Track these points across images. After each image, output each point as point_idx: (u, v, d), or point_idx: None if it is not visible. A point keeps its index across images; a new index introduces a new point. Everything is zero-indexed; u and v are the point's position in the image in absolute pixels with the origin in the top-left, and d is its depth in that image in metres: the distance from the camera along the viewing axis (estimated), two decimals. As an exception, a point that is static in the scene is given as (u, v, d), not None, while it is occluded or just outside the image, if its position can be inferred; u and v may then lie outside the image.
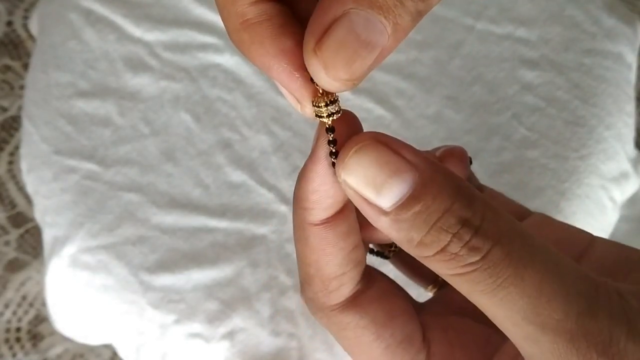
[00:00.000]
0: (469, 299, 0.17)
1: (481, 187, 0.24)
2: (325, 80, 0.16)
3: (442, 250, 0.16)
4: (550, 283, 0.16)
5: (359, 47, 0.15)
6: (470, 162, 0.23)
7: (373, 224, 0.18)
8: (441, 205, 0.16)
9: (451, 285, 0.18)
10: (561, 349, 0.16)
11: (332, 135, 0.17)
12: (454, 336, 0.21)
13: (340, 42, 0.15)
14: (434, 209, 0.16)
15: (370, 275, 0.21)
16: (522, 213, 0.23)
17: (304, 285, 0.20)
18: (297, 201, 0.19)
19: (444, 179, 0.16)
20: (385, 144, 0.17)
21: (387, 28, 0.15)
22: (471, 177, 0.24)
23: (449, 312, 0.22)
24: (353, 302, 0.20)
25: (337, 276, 0.20)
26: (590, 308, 0.16)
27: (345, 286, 0.20)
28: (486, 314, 0.17)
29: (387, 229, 0.17)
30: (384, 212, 0.17)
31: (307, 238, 0.19)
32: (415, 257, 0.17)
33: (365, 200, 0.17)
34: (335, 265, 0.19)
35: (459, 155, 0.22)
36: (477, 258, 0.16)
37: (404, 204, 0.16)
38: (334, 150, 0.18)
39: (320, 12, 0.15)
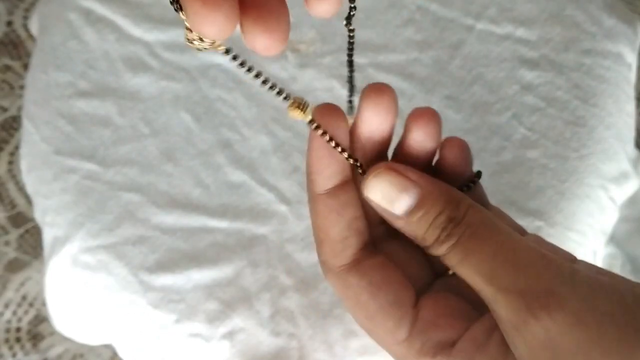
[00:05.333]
0: (457, 273, 0.23)
1: (488, 206, 0.27)
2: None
3: (437, 239, 0.23)
4: (504, 254, 0.21)
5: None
6: (479, 176, 0.27)
7: (393, 225, 0.24)
8: (436, 210, 0.23)
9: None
10: (513, 302, 0.21)
11: (315, 125, 0.23)
12: (442, 306, 0.25)
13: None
14: (431, 213, 0.23)
15: (375, 249, 0.26)
16: (520, 230, 0.27)
17: (319, 249, 0.25)
18: (307, 174, 0.25)
19: (439, 192, 0.23)
20: (395, 169, 0.23)
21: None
22: (482, 195, 0.27)
23: (447, 290, 0.26)
24: (356, 265, 0.25)
25: (341, 239, 0.24)
26: (540, 272, 0.21)
27: (348, 249, 0.25)
28: (469, 284, 0.22)
29: (402, 228, 0.24)
30: (399, 217, 0.23)
31: (317, 206, 0.24)
32: (423, 247, 0.23)
33: (385, 209, 0.23)
34: (339, 229, 0.24)
35: (458, 144, 0.26)
36: (454, 240, 0.22)
37: (412, 212, 0.23)
38: (319, 127, 0.24)
39: None
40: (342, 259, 0.25)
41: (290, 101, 0.23)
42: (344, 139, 0.24)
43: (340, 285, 0.25)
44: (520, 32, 0.49)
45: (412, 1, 0.49)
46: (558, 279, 0.21)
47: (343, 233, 0.24)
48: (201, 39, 0.20)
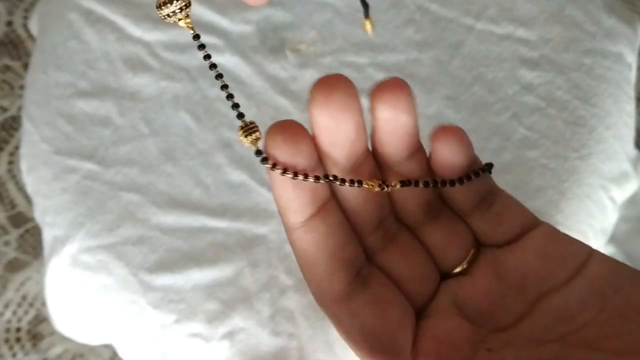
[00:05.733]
0: None
1: (496, 191, 0.24)
2: None
3: None
4: None
5: None
6: (491, 169, 0.23)
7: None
8: None
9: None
10: None
11: (261, 156, 0.19)
12: (444, 350, 0.22)
13: None
14: None
15: (368, 279, 0.22)
16: (532, 223, 0.24)
17: (306, 282, 0.22)
18: (277, 208, 0.20)
19: None
20: None
21: None
22: (491, 183, 0.24)
23: (451, 304, 0.23)
24: (347, 302, 0.21)
25: (327, 276, 0.20)
26: None
27: (335, 285, 0.21)
28: None
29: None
30: None
31: (294, 242, 0.21)
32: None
33: None
34: (322, 266, 0.20)
35: (454, 133, 0.21)
36: None
37: None
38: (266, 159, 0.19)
39: None
40: (330, 295, 0.21)
41: (240, 125, 0.19)
42: (307, 158, 0.20)
43: (333, 321, 0.22)
44: (520, 32, 0.49)
45: (412, 1, 0.49)
46: None
47: (327, 270, 0.20)
48: (168, 3, 0.18)
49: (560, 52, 0.48)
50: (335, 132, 0.19)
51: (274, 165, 0.19)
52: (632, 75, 0.50)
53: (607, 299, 0.21)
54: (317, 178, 0.20)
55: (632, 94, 0.50)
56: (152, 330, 0.41)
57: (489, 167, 0.24)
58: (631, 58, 0.50)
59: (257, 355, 0.41)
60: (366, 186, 0.20)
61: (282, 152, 0.19)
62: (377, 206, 0.22)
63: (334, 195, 0.21)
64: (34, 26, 0.54)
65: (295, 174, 0.19)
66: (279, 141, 0.19)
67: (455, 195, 0.23)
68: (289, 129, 0.19)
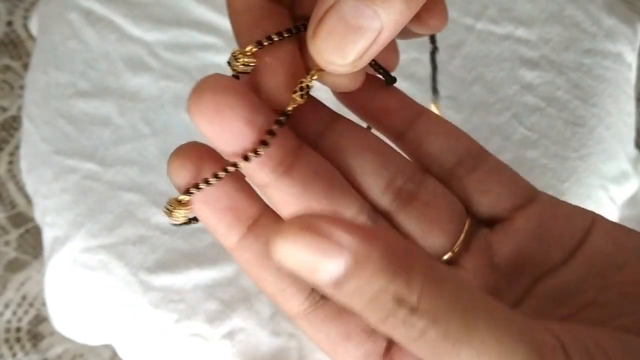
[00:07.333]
0: None
1: (483, 156, 0.23)
2: (321, 63, 0.17)
3: (382, 323, 0.16)
4: (487, 357, 0.16)
5: (348, 32, 0.16)
6: (394, 82, 0.23)
7: (318, 290, 0.18)
8: (375, 285, 0.16)
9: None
10: None
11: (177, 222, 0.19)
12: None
13: (329, 29, 0.17)
14: (369, 288, 0.16)
15: None
16: (527, 195, 0.23)
17: None
18: None
19: (381, 256, 0.16)
20: (313, 227, 0.16)
21: (379, 13, 0.16)
22: (473, 144, 0.23)
23: None
24: (307, 317, 0.20)
25: (278, 292, 0.19)
26: None
27: (291, 302, 0.20)
28: None
29: (331, 297, 0.17)
30: (325, 286, 0.16)
31: (236, 261, 0.20)
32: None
33: (305, 277, 0.16)
34: (270, 283, 0.19)
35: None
36: (414, 335, 0.16)
37: (338, 283, 0.16)
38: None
39: (318, 3, 0.17)
40: (288, 312, 0.20)
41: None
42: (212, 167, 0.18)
43: (302, 329, 0.21)
44: (520, 32, 0.49)
45: (412, 1, 0.49)
46: None
47: (275, 287, 0.19)
48: (246, 64, 0.18)
49: (560, 52, 0.48)
50: (221, 134, 0.18)
51: (186, 203, 0.19)
52: (632, 75, 0.50)
53: (608, 277, 0.19)
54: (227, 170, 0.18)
55: (632, 94, 0.50)
56: (152, 330, 0.41)
57: (392, 80, 0.24)
58: (631, 58, 0.50)
59: (257, 355, 0.41)
60: None
61: (187, 176, 0.19)
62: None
63: (267, 212, 0.20)
64: (34, 26, 0.54)
65: (199, 185, 0.18)
66: (181, 170, 0.19)
67: (427, 149, 0.22)
68: (185, 154, 0.19)
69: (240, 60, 0.18)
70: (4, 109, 0.64)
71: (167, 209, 0.19)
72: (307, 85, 0.18)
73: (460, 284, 0.17)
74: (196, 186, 0.18)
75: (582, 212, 0.21)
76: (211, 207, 0.19)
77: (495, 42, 0.48)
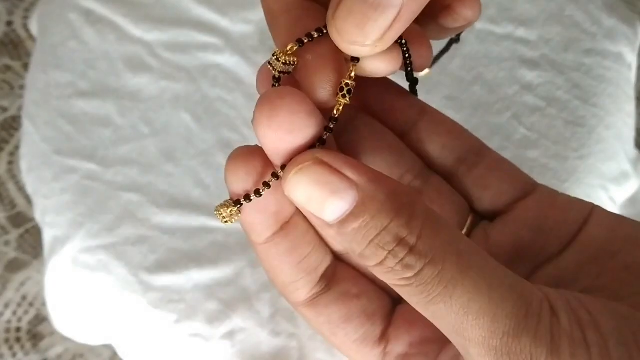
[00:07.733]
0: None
1: (484, 152, 0.24)
2: (343, 45, 0.17)
3: (380, 263, 0.17)
4: (478, 302, 0.16)
5: (368, 10, 0.16)
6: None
7: (321, 232, 0.20)
8: (379, 223, 0.17)
9: None
10: None
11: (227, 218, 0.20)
12: (414, 334, 0.22)
13: (349, 8, 0.16)
14: (372, 226, 0.17)
15: (333, 278, 0.22)
16: (526, 188, 0.23)
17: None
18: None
19: (385, 197, 0.17)
20: (326, 163, 0.17)
21: None
22: (475, 141, 0.24)
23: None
24: (312, 303, 0.21)
25: (290, 282, 0.21)
26: (515, 328, 0.16)
27: (300, 291, 0.21)
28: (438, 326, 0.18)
29: (333, 238, 0.19)
30: (329, 225, 0.18)
31: (259, 254, 0.21)
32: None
33: (311, 213, 0.18)
34: (286, 275, 0.21)
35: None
36: (410, 274, 0.17)
37: (344, 221, 0.17)
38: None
39: None
40: (296, 299, 0.22)
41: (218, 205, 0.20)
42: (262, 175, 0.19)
43: (306, 319, 0.23)
44: (520, 32, 0.49)
45: (412, 1, 0.49)
46: (537, 340, 0.16)
47: (291, 279, 0.21)
48: (286, 63, 0.18)
49: (560, 52, 0.48)
50: (283, 150, 0.18)
51: (237, 202, 0.19)
52: (632, 75, 0.50)
53: (603, 264, 0.20)
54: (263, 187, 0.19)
55: (632, 94, 0.50)
56: (152, 330, 0.41)
57: (414, 81, 0.24)
58: (631, 58, 0.50)
59: (257, 355, 0.41)
60: None
61: (245, 182, 0.19)
62: None
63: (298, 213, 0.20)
64: (34, 26, 0.54)
65: (249, 197, 0.19)
66: (241, 174, 0.19)
67: (430, 147, 0.23)
68: (245, 158, 0.19)
69: (282, 59, 0.18)
70: (4, 109, 0.64)
71: (219, 212, 0.20)
72: (348, 84, 0.18)
73: (458, 232, 0.18)
74: (247, 197, 0.19)
75: (581, 203, 0.22)
76: (260, 212, 0.20)
77: (495, 42, 0.48)
